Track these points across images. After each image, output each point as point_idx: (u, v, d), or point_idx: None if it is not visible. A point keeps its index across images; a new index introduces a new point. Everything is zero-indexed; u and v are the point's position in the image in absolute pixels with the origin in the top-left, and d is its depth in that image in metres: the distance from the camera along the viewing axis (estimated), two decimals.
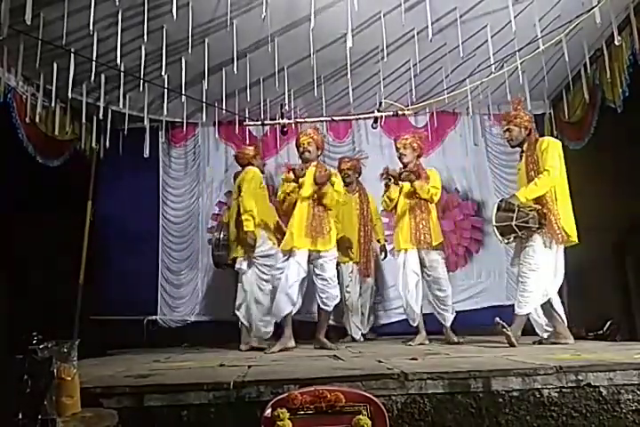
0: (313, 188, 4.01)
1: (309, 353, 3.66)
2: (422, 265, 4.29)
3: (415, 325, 4.30)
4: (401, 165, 4.45)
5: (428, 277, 4.29)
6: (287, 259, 3.94)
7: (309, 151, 4.13)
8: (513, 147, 4.05)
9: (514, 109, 3.96)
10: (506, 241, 3.64)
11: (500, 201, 3.66)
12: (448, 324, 4.24)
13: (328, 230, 4.01)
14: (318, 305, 4.06)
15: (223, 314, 5.12)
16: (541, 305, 3.73)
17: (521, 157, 3.98)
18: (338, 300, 4.08)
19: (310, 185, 4.02)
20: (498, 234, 3.59)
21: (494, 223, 3.59)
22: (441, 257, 4.33)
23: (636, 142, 4.47)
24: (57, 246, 5.34)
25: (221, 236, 4.58)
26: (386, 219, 5.44)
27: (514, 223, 3.53)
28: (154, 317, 5.59)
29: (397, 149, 4.47)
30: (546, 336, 3.84)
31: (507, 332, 3.52)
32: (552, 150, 3.69)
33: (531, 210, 3.56)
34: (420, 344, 4.15)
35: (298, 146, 4.21)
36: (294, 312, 3.98)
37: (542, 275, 3.61)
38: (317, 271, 3.99)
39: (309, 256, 3.97)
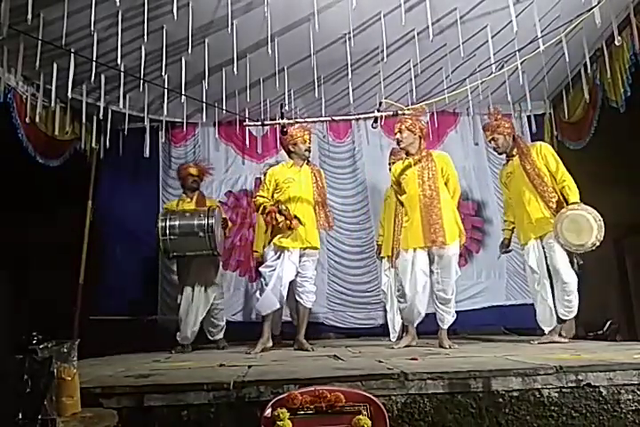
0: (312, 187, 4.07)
1: (309, 353, 3.66)
2: (431, 262, 3.88)
3: (415, 325, 3.96)
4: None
5: (435, 275, 3.86)
6: (279, 257, 3.94)
7: (309, 150, 4.18)
8: (500, 154, 4.20)
9: (495, 120, 4.08)
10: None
11: (594, 217, 3.67)
12: (445, 326, 3.86)
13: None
14: (297, 301, 4.05)
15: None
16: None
17: (507, 162, 4.12)
18: (315, 297, 4.08)
19: (311, 184, 4.07)
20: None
21: (600, 239, 3.65)
22: (454, 256, 3.86)
23: (636, 142, 4.47)
24: (57, 246, 5.35)
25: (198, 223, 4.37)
26: None
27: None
28: (154, 317, 5.58)
29: (394, 134, 4.09)
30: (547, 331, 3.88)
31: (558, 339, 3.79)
32: (552, 156, 3.92)
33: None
34: (407, 346, 3.86)
35: (298, 143, 4.13)
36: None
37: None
38: (299, 269, 4.00)
39: None
